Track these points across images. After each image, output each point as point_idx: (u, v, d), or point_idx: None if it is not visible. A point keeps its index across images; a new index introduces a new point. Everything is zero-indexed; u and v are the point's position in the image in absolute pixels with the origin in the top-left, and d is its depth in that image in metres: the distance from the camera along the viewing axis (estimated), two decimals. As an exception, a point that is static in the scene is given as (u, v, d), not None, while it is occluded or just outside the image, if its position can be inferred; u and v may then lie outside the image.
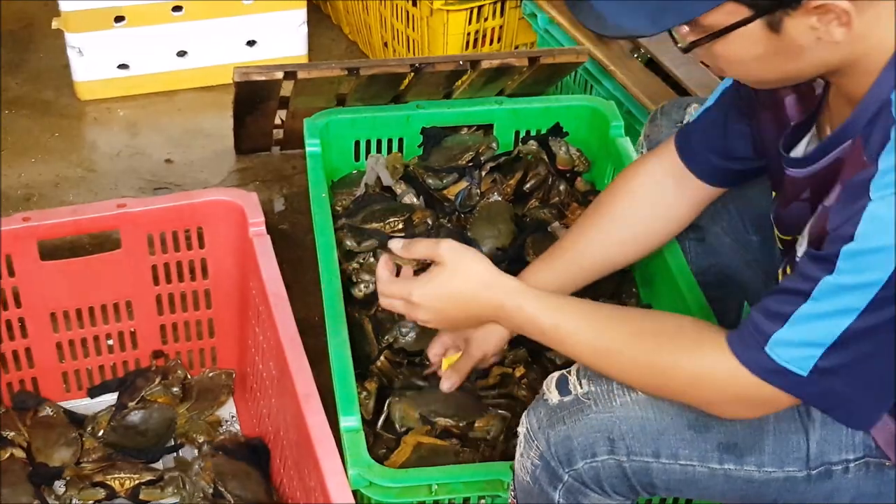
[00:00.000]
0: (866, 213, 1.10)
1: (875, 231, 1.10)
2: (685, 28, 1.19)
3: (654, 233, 1.64)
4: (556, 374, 1.36)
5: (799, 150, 1.32)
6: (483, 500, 1.58)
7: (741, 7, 1.12)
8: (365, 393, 1.78)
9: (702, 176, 1.56)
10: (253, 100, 2.31)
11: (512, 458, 1.43)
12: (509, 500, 1.43)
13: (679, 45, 1.21)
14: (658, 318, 1.35)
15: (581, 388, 1.33)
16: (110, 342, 1.96)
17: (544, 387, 1.36)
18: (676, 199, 1.60)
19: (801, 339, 1.16)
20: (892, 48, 1.14)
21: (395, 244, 1.47)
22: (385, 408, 1.74)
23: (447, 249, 1.40)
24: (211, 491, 1.77)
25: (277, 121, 2.48)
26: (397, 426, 1.73)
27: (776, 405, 1.23)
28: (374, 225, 2.06)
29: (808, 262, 1.17)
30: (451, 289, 1.40)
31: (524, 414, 1.36)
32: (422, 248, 1.43)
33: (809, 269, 1.16)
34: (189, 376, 1.98)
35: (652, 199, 1.60)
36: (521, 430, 1.37)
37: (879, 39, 1.14)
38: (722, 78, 1.61)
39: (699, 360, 1.23)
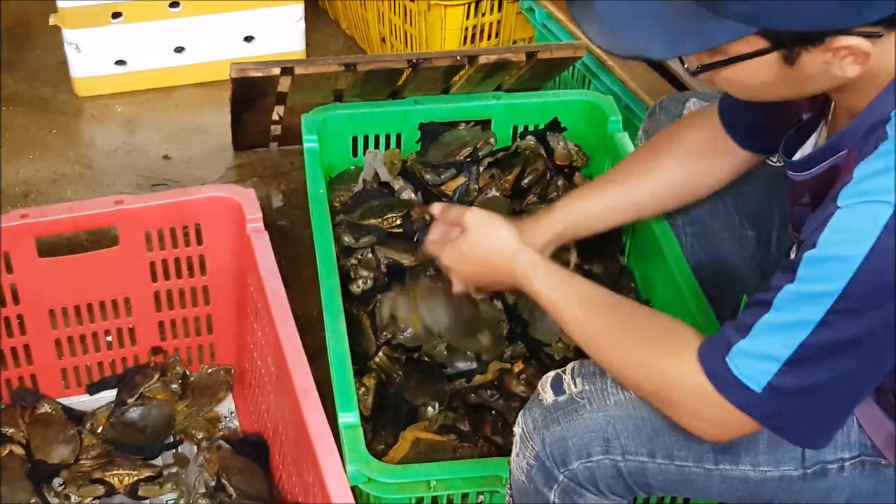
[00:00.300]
0: (832, 220, 1.09)
1: (836, 239, 1.09)
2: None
3: (696, 186, 1.63)
4: (551, 374, 1.36)
5: (807, 148, 1.32)
6: (481, 497, 1.58)
7: (761, 39, 1.10)
8: (363, 389, 1.78)
9: (741, 143, 1.55)
10: (250, 96, 2.31)
11: (511, 453, 1.43)
12: (506, 499, 1.43)
13: (686, 66, 1.19)
14: (647, 316, 1.35)
15: (575, 387, 1.33)
16: (109, 339, 1.96)
17: (539, 387, 1.36)
18: (718, 159, 1.59)
19: (759, 352, 1.14)
20: (892, 73, 1.12)
21: (436, 208, 1.60)
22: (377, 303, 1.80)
23: (472, 217, 1.50)
24: (213, 483, 1.77)
25: (275, 117, 2.47)
26: (384, 320, 1.82)
27: (732, 424, 1.19)
28: (372, 221, 2.06)
29: (778, 272, 1.16)
30: (473, 255, 1.51)
31: (520, 414, 1.36)
32: (454, 213, 1.55)
33: (777, 278, 1.15)
34: (188, 373, 1.98)
35: (698, 153, 1.58)
36: (516, 430, 1.37)
37: (882, 61, 1.12)
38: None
39: (671, 366, 1.22)
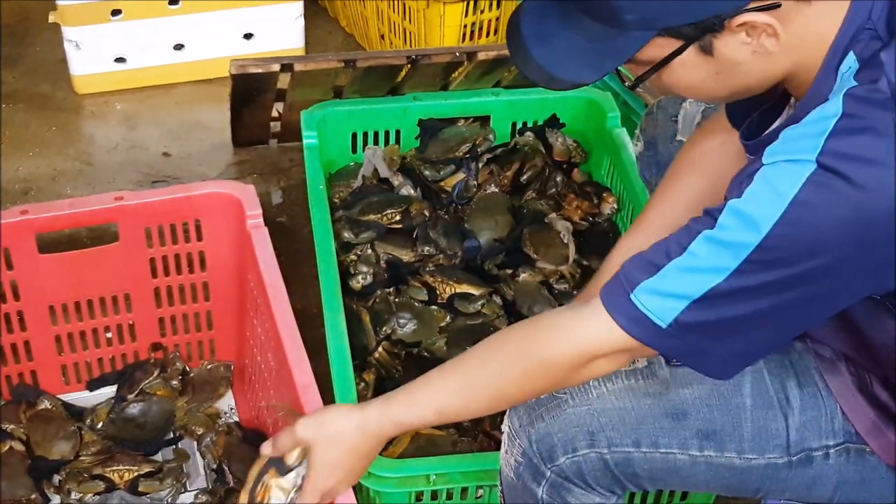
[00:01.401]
0: (757, 174, 1.12)
1: (761, 192, 1.11)
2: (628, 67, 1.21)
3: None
4: None
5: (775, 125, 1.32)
6: (481, 491, 1.58)
7: (671, 39, 1.14)
8: (363, 384, 1.78)
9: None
10: (250, 92, 2.31)
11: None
12: (498, 495, 1.44)
13: (626, 83, 1.24)
14: (508, 331, 1.34)
15: None
16: (109, 335, 1.96)
17: None
18: (741, 160, 1.57)
19: (668, 290, 1.16)
20: (825, 51, 1.15)
21: (265, 448, 1.42)
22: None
23: (302, 429, 1.36)
24: (214, 467, 1.78)
25: (275, 113, 2.48)
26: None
27: (632, 354, 1.23)
28: (372, 217, 2.06)
29: (697, 217, 1.18)
30: (335, 459, 1.36)
31: (507, 413, 1.37)
32: (284, 441, 1.39)
33: (695, 223, 1.17)
34: (188, 369, 1.99)
35: (720, 161, 1.54)
36: (504, 428, 1.37)
37: (814, 44, 1.15)
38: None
39: (575, 331, 1.23)
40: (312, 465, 1.36)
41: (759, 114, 1.33)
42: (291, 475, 1.37)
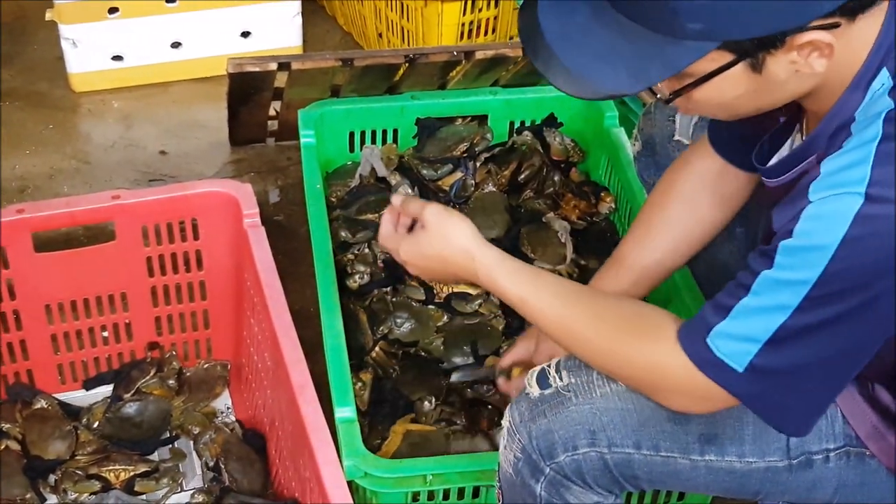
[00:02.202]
0: (805, 212, 1.11)
1: (811, 229, 1.11)
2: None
3: (704, 234, 1.58)
4: (536, 369, 1.36)
5: (783, 152, 1.32)
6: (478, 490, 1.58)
7: (724, 52, 1.10)
8: (360, 384, 1.78)
9: (740, 165, 1.52)
10: (247, 91, 2.30)
11: (505, 447, 1.44)
12: (496, 492, 1.43)
13: (659, 96, 1.18)
14: (621, 304, 1.34)
15: (560, 380, 1.33)
16: (105, 334, 1.96)
17: (525, 381, 1.36)
18: (721, 194, 1.55)
19: (740, 333, 1.16)
20: (857, 68, 1.14)
21: (396, 198, 1.50)
22: None
23: (431, 213, 1.42)
24: (211, 464, 1.78)
25: (272, 112, 2.47)
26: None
27: (715, 401, 1.21)
28: (369, 216, 2.06)
29: (754, 257, 1.17)
30: (432, 251, 1.42)
31: (507, 408, 1.37)
32: (413, 207, 1.46)
33: (754, 263, 1.16)
34: (184, 368, 1.98)
35: (697, 200, 1.55)
36: (504, 423, 1.37)
37: (848, 61, 1.14)
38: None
39: (652, 350, 1.23)
40: (416, 239, 1.43)
41: (769, 136, 1.32)
42: None
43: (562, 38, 1.11)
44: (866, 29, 1.13)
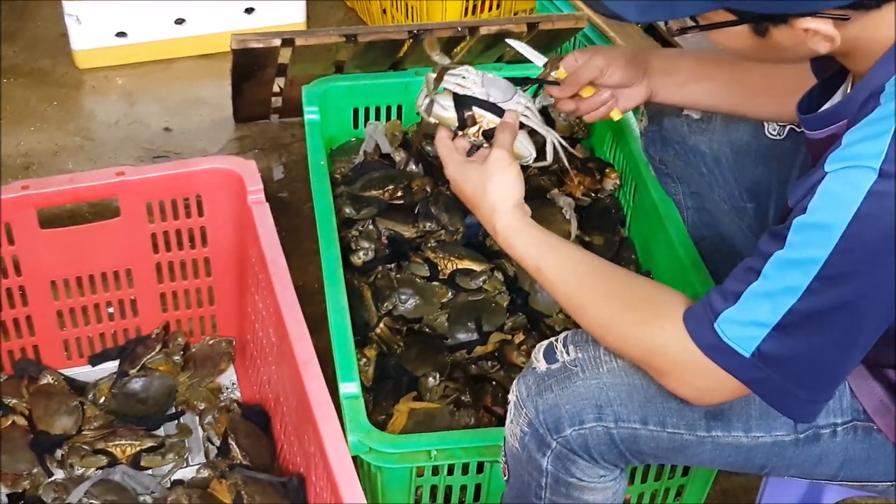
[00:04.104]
0: (821, 186, 1.10)
1: (824, 206, 1.10)
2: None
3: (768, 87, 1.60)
4: (543, 343, 1.37)
5: (836, 98, 1.30)
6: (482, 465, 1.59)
7: (727, 12, 1.13)
8: (364, 360, 1.78)
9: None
10: (251, 67, 2.30)
11: (510, 422, 1.44)
12: (501, 466, 1.44)
13: (668, 26, 1.24)
14: (633, 282, 1.34)
15: (568, 355, 1.33)
16: (111, 310, 1.96)
17: (532, 355, 1.37)
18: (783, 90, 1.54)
19: (748, 318, 1.16)
20: (889, 42, 1.13)
21: (509, 116, 1.52)
22: None
23: (494, 156, 1.44)
24: (218, 442, 1.78)
25: (276, 88, 2.47)
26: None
27: (721, 389, 1.21)
28: (373, 192, 2.06)
29: (765, 238, 1.17)
30: (471, 185, 1.45)
31: (514, 382, 1.37)
32: (500, 137, 1.47)
33: (765, 245, 1.16)
34: (189, 344, 1.99)
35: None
36: (510, 397, 1.37)
37: (878, 31, 1.12)
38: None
39: (658, 330, 1.23)
40: (466, 168, 1.46)
41: (820, 84, 1.31)
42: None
43: None
44: (888, 18, 1.11)
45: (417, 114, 2.17)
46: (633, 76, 1.63)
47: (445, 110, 1.53)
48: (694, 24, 1.18)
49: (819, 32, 1.11)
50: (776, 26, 1.12)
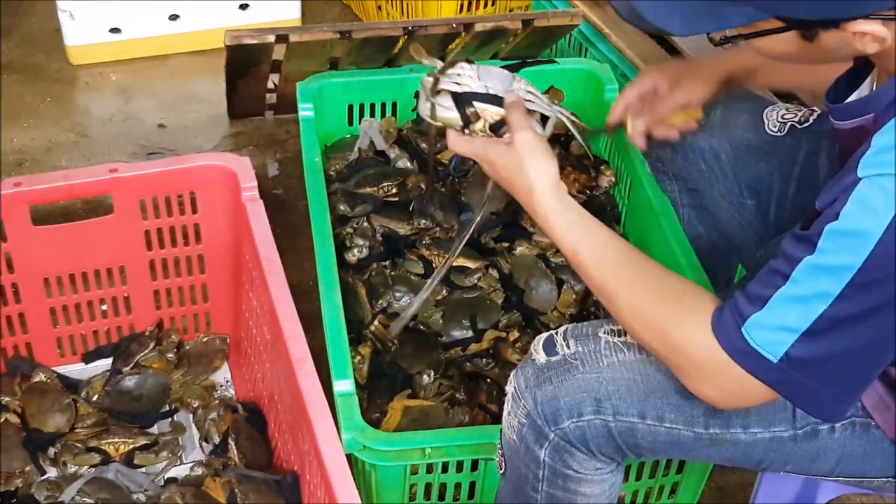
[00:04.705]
0: (855, 192, 1.10)
1: (858, 212, 1.10)
2: None
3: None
4: (543, 335, 1.37)
5: (864, 90, 1.30)
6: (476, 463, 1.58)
7: (777, 20, 1.14)
8: (359, 357, 1.78)
9: None
10: (245, 64, 2.29)
11: (504, 421, 1.44)
12: (496, 458, 1.44)
13: (710, 37, 1.23)
14: (665, 276, 1.33)
15: (568, 348, 1.33)
16: (104, 307, 1.96)
17: (532, 347, 1.37)
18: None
19: (777, 324, 1.15)
20: None
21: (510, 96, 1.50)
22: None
23: (520, 139, 1.41)
24: (217, 441, 1.78)
25: (270, 85, 2.46)
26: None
27: (747, 393, 1.21)
28: (368, 189, 2.05)
29: (792, 242, 1.16)
30: (503, 170, 1.43)
31: (512, 373, 1.37)
32: (514, 119, 1.45)
33: (793, 249, 1.15)
34: (183, 341, 1.98)
35: None
36: (508, 389, 1.37)
37: None
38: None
39: (685, 330, 1.23)
40: (497, 150, 1.43)
41: (847, 74, 1.31)
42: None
43: None
44: None
45: (419, 120, 2.18)
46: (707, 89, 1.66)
47: (447, 111, 1.51)
48: (741, 34, 1.18)
49: (870, 34, 1.11)
50: (826, 30, 1.13)
